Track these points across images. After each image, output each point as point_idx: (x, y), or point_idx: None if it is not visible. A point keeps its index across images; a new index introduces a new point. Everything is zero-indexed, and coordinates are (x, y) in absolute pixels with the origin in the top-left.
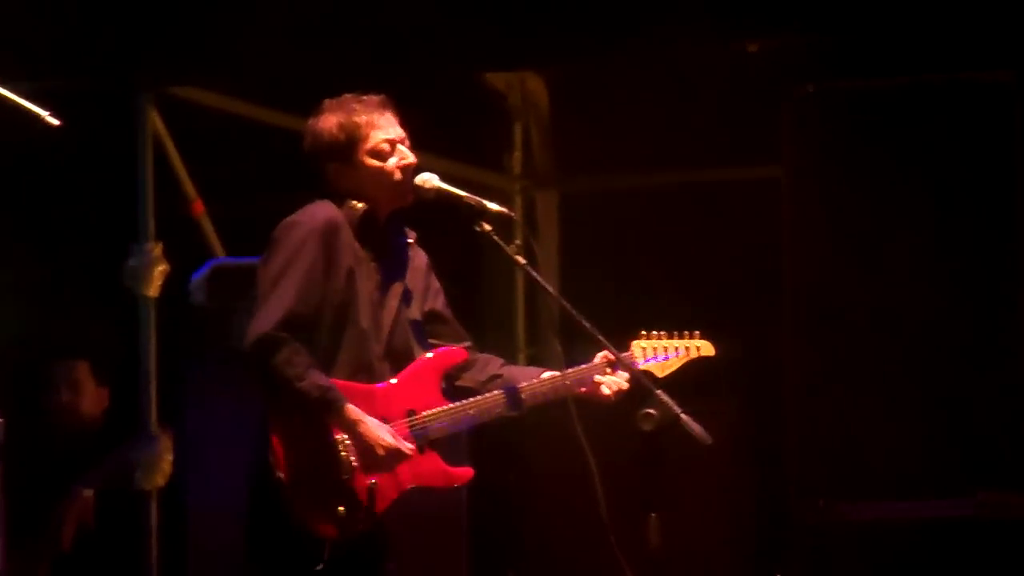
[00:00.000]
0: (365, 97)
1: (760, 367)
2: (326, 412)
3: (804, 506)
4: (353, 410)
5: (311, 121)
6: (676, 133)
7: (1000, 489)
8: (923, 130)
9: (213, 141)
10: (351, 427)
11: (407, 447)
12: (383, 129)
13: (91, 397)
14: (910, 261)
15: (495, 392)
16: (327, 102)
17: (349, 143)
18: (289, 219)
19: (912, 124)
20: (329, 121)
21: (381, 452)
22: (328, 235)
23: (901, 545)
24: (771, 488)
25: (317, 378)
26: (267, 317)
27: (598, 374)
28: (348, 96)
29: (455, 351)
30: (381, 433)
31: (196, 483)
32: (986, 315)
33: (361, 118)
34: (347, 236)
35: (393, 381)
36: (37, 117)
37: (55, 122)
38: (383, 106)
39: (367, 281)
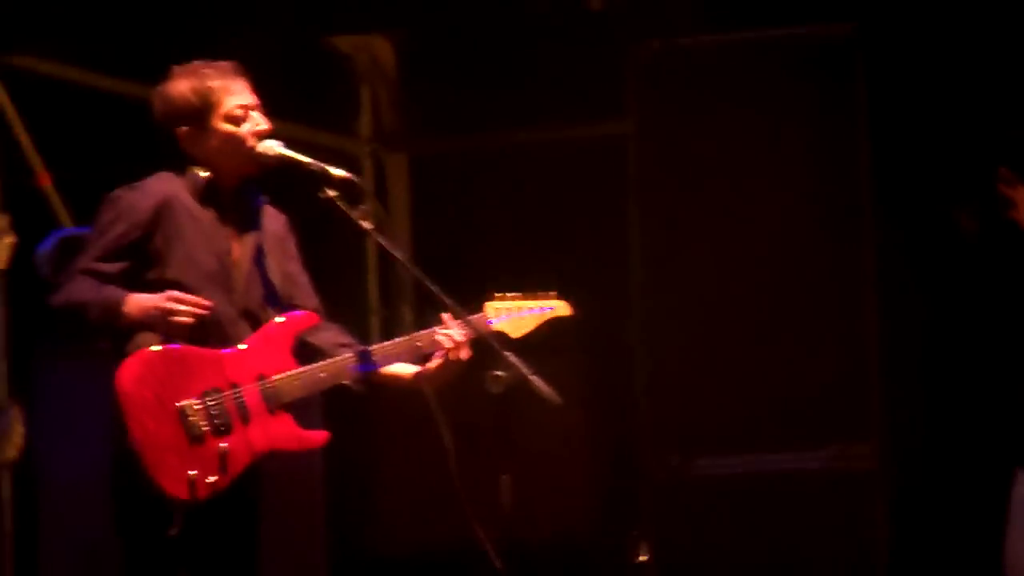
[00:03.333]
0: (217, 63)
1: (611, 326)
2: (114, 308)
3: (657, 463)
4: (137, 296)
5: (161, 87)
6: (524, 92)
7: (847, 441)
8: (767, 85)
9: (59, 112)
10: (142, 309)
11: (183, 296)
12: (237, 95)
13: None
14: (757, 216)
15: (347, 355)
16: (176, 68)
17: (203, 108)
18: (117, 191)
19: (756, 79)
20: (182, 86)
21: (179, 306)
22: (155, 208)
23: (753, 498)
24: (625, 447)
25: (92, 286)
26: (70, 269)
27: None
28: (198, 63)
29: (306, 316)
30: (155, 300)
31: (48, 456)
32: (832, 270)
33: (215, 83)
34: (185, 205)
35: (242, 347)
36: None
37: None
38: (236, 72)
39: (214, 245)
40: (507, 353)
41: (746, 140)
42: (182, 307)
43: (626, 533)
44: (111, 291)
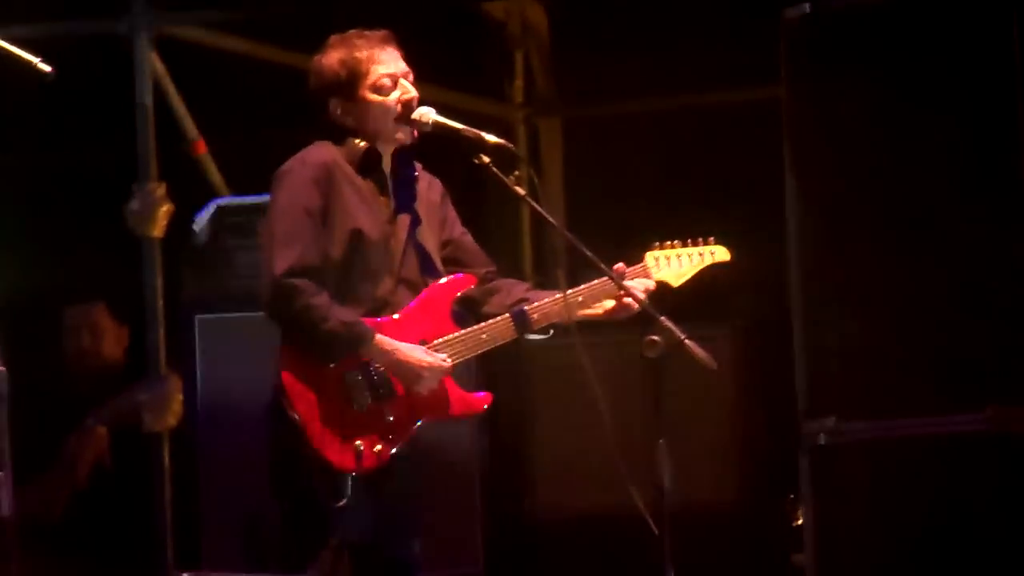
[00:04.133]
0: (368, 32)
1: (765, 289)
2: (358, 346)
3: (813, 426)
4: (384, 339)
5: (315, 58)
6: (676, 57)
7: (1009, 403)
8: (922, 47)
9: (215, 80)
10: (386, 355)
11: (444, 359)
12: (385, 64)
13: (111, 339)
14: (916, 178)
15: (504, 315)
16: (332, 38)
17: (351, 78)
18: (283, 167)
19: (910, 42)
20: (331, 57)
21: (424, 373)
22: (322, 177)
23: (912, 462)
24: (780, 410)
25: (342, 315)
26: (274, 268)
27: (607, 290)
28: (352, 32)
29: (463, 278)
30: (418, 354)
31: (208, 424)
32: (994, 230)
33: (363, 53)
34: (346, 174)
35: (401, 313)
36: (29, 64)
37: (47, 69)
38: (385, 41)
39: (374, 215)
40: (663, 318)
41: (900, 104)
42: (431, 382)
43: (783, 498)
44: (355, 328)
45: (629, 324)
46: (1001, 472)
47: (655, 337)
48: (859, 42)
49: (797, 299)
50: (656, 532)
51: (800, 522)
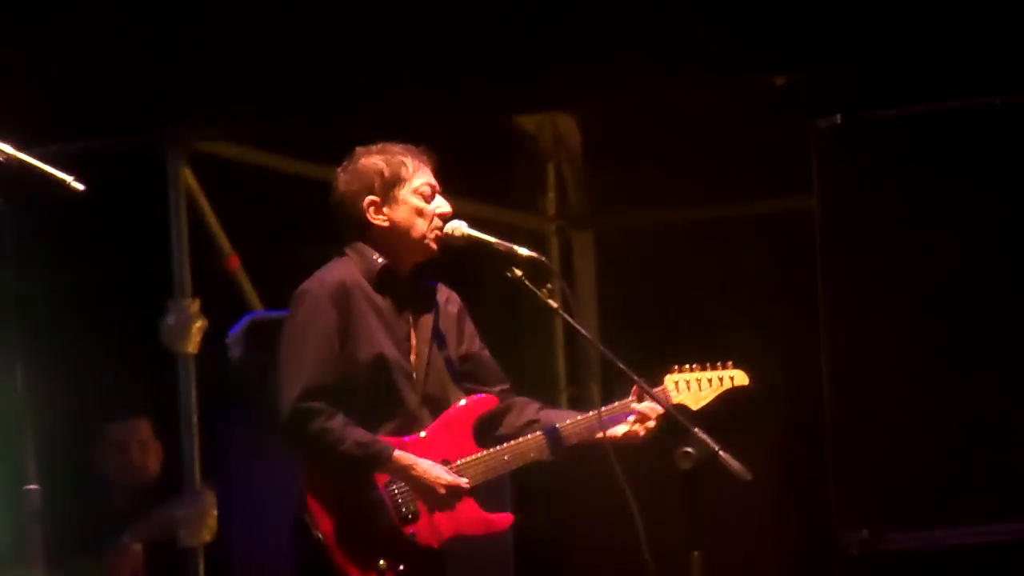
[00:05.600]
0: (406, 145)
1: (799, 399)
2: (376, 466)
3: (849, 537)
4: (403, 455)
5: (349, 163)
6: (708, 168)
7: None
8: (954, 156)
9: (246, 195)
10: (404, 472)
11: (464, 481)
12: (426, 174)
13: (155, 454)
14: (951, 287)
15: (529, 436)
16: (361, 148)
17: (393, 180)
18: (301, 286)
19: (942, 151)
20: (374, 158)
21: (442, 491)
22: (339, 298)
23: (949, 573)
24: (815, 521)
25: (357, 435)
26: (290, 392)
27: (631, 409)
28: (386, 143)
29: (486, 399)
30: (437, 471)
31: (241, 539)
32: None
33: (407, 159)
34: (364, 292)
35: (424, 433)
36: (62, 183)
37: (80, 187)
38: (423, 155)
39: (394, 333)
40: (696, 429)
41: (933, 214)
42: (450, 501)
43: None
44: (370, 448)
45: (663, 436)
46: None
47: (689, 449)
48: (890, 152)
49: (830, 409)
50: None
51: None
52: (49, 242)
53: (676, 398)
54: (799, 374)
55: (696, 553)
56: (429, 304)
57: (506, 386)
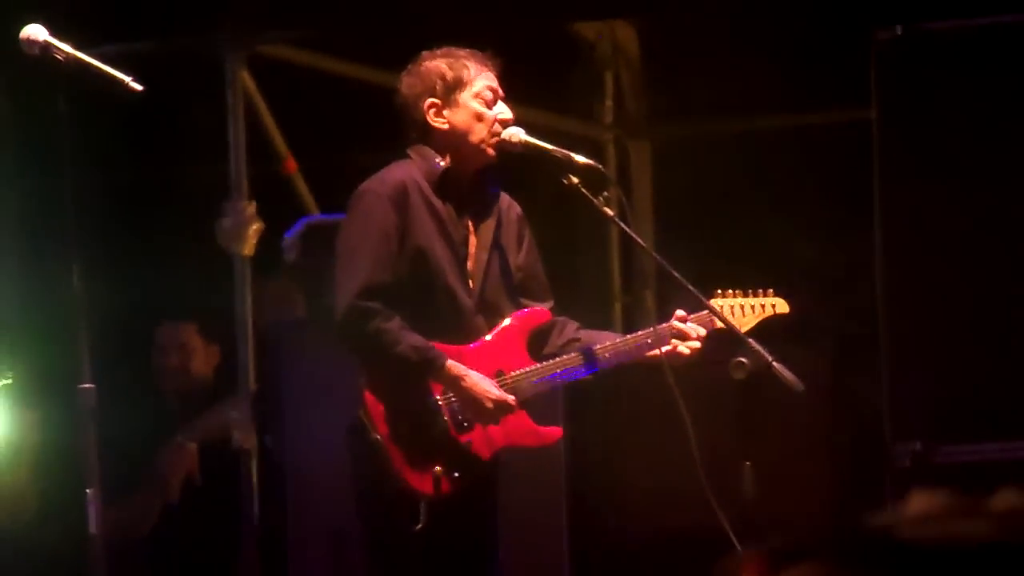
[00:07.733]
0: (471, 50)
1: (853, 311)
2: (428, 372)
3: (901, 449)
4: (455, 365)
5: (413, 66)
6: (766, 78)
7: None
8: (1015, 70)
9: (305, 99)
10: (455, 383)
11: (511, 399)
12: (489, 79)
13: (200, 358)
14: (1008, 200)
15: (574, 354)
16: (425, 52)
17: (455, 83)
18: (360, 187)
19: (1002, 63)
20: (437, 61)
21: (489, 405)
22: (399, 198)
23: (1001, 487)
24: (868, 433)
25: (413, 339)
26: (348, 290)
27: (674, 331)
28: (451, 47)
29: (539, 311)
30: (486, 386)
31: (295, 441)
32: None
33: (471, 63)
34: (424, 195)
35: (481, 343)
36: (120, 83)
37: (138, 88)
38: (490, 60)
39: (452, 237)
40: (751, 340)
41: (992, 128)
42: (496, 415)
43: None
44: (426, 353)
45: (718, 346)
46: None
47: (743, 359)
48: (951, 64)
49: (885, 322)
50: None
51: None
52: (107, 144)
53: (718, 323)
54: (854, 286)
55: (747, 464)
56: (491, 210)
57: (551, 302)
